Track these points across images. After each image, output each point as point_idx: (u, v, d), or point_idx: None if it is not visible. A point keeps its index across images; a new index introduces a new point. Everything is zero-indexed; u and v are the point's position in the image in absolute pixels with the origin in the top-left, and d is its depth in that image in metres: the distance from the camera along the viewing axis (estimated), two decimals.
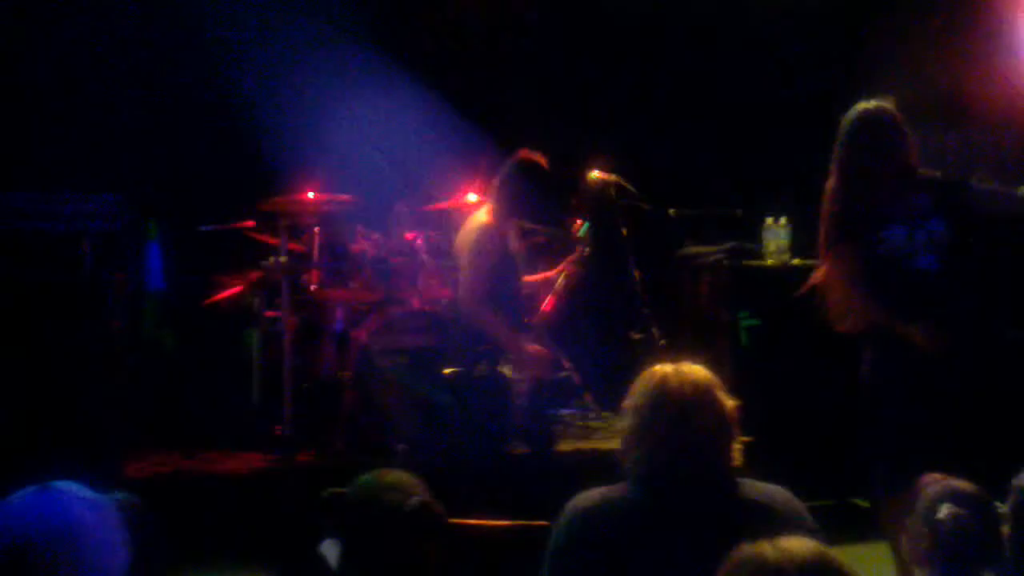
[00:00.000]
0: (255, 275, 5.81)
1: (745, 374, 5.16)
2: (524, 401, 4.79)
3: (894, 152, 3.96)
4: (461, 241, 5.04)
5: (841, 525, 4.43)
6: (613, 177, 5.12)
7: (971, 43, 7.13)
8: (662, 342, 5.20)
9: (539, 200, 4.93)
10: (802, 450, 5.06)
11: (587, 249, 5.27)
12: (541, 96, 7.15)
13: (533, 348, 4.83)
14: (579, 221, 5.35)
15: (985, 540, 2.52)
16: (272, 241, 5.70)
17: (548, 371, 4.97)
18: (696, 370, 2.59)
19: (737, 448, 2.60)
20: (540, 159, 4.93)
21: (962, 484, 2.64)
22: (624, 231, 5.48)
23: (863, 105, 4.05)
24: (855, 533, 4.20)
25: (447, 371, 4.82)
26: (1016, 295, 4.18)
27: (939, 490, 2.62)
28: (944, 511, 2.54)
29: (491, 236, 4.90)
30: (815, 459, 5.03)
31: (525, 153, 4.99)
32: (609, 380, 5.13)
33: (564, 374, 6.27)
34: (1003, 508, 2.53)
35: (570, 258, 5.32)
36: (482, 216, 5.00)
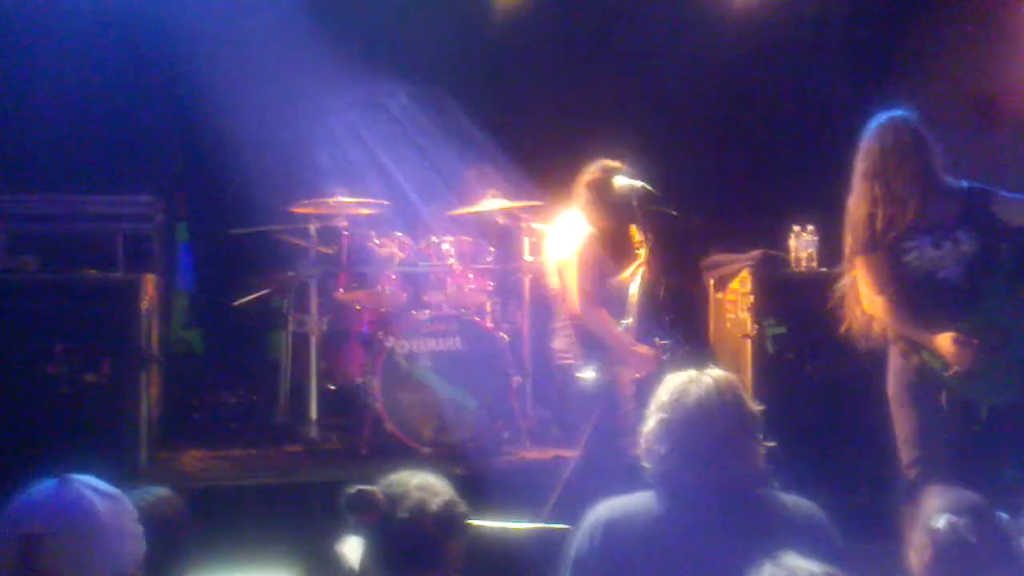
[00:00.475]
0: (284, 278, 5.86)
1: (771, 382, 5.16)
2: (632, 403, 4.79)
3: (919, 161, 3.95)
4: (557, 248, 5.07)
5: (869, 535, 4.45)
6: (639, 184, 5.12)
7: (1001, 49, 7.09)
8: (686, 349, 5.18)
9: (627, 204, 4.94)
10: (827, 457, 5.04)
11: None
12: (565, 102, 7.16)
13: (641, 348, 4.82)
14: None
15: (984, 550, 2.51)
16: (301, 244, 5.74)
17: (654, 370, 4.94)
18: (720, 375, 2.60)
19: (762, 455, 2.59)
20: (621, 164, 4.99)
21: (964, 495, 2.63)
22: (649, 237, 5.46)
23: (888, 114, 4.05)
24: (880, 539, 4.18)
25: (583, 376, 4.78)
26: None
27: (940, 501, 2.62)
28: (942, 521, 2.54)
29: (593, 242, 4.93)
30: (841, 468, 5.01)
31: (608, 160, 5.03)
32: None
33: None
34: (1006, 519, 2.52)
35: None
36: (577, 223, 5.03)
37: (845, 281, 4.12)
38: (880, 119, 4.05)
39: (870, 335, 4.01)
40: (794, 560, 1.84)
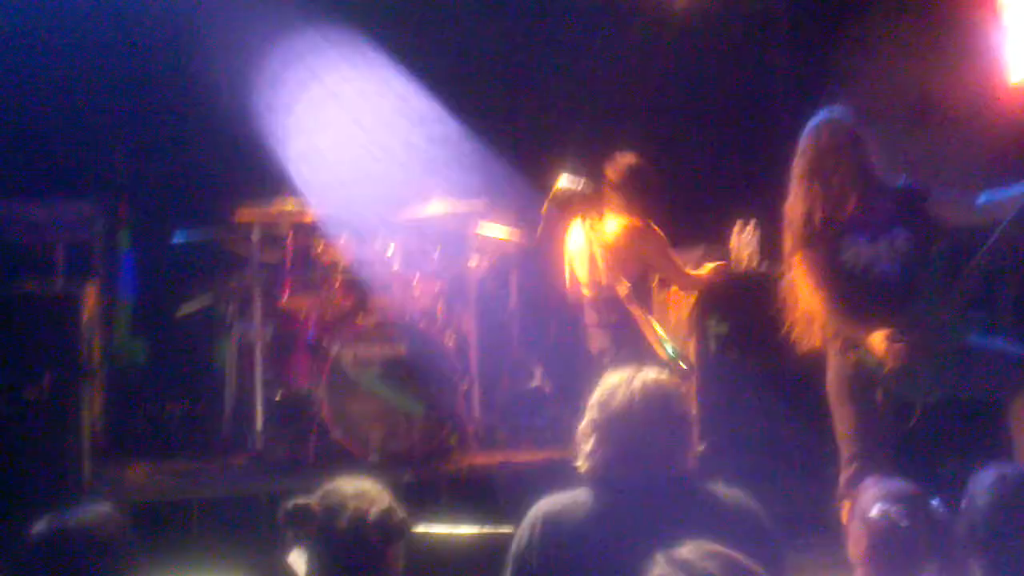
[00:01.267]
0: (227, 286, 5.81)
1: (714, 381, 5.20)
2: None
3: (855, 160, 4.01)
4: (605, 246, 5.19)
5: (810, 530, 4.51)
6: (581, 185, 5.16)
7: (939, 49, 7.20)
8: (625, 352, 5.23)
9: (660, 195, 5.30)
10: (771, 455, 5.09)
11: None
12: (509, 102, 7.18)
13: None
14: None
15: (918, 537, 2.56)
16: (246, 252, 5.70)
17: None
18: (652, 376, 2.64)
19: (692, 455, 2.64)
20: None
21: (898, 484, 2.69)
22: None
23: (824, 113, 4.10)
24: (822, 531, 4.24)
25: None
26: (979, 301, 4.21)
27: (875, 491, 2.68)
28: (876, 509, 2.59)
29: (645, 234, 5.21)
30: (785, 464, 5.06)
31: (634, 154, 5.33)
32: (574, 388, 5.17)
33: (536, 383, 6.33)
34: (939, 506, 2.58)
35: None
36: (619, 219, 5.21)
37: (785, 280, 4.17)
38: (817, 118, 4.12)
39: (810, 333, 4.07)
40: (688, 552, 1.87)
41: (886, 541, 2.57)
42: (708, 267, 5.42)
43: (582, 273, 5.40)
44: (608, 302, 5.21)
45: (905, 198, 4.07)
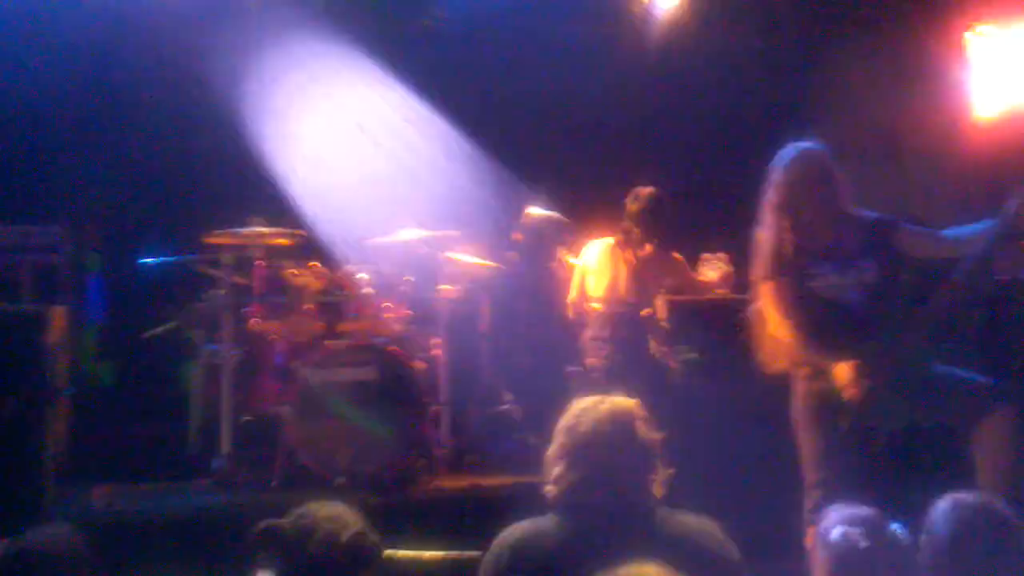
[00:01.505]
0: (196, 308, 5.79)
1: (686, 407, 5.22)
2: None
3: (825, 192, 4.06)
4: (636, 269, 5.52)
5: (779, 556, 4.52)
6: (553, 214, 5.22)
7: (909, 83, 7.31)
8: (594, 373, 5.28)
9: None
10: (740, 481, 5.11)
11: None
12: (477, 128, 7.22)
13: None
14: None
15: (879, 559, 2.58)
16: (214, 274, 5.68)
17: None
18: (619, 402, 2.66)
19: (658, 480, 2.66)
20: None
21: (859, 509, 2.71)
22: (567, 258, 5.60)
23: (796, 146, 4.16)
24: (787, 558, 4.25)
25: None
26: (944, 332, 4.27)
27: (836, 515, 2.70)
28: (836, 532, 2.61)
29: (677, 265, 5.68)
30: (753, 490, 5.09)
31: (652, 188, 5.68)
32: (546, 412, 5.19)
33: (506, 408, 6.33)
34: (900, 530, 2.60)
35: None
36: (651, 247, 5.63)
37: (753, 307, 4.21)
38: (788, 151, 4.17)
39: (777, 359, 4.11)
40: (634, 570, 1.88)
41: (847, 563, 2.59)
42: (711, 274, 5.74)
43: (599, 289, 5.62)
44: (623, 318, 5.46)
45: (873, 230, 4.13)
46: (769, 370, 4.16)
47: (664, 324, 5.30)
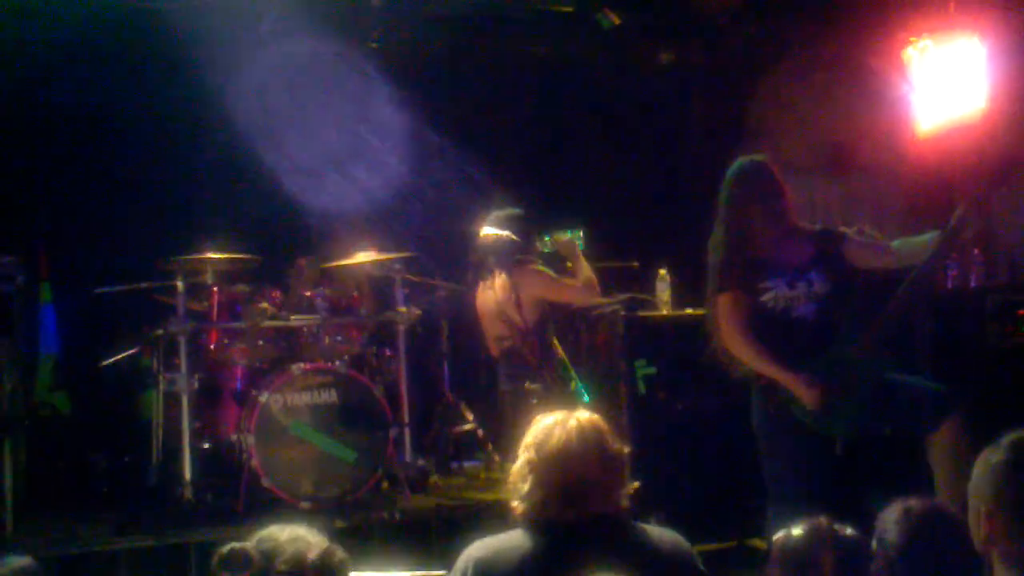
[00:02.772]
0: (153, 336, 5.75)
1: (644, 421, 5.28)
2: None
3: (774, 205, 4.14)
4: (499, 301, 5.28)
5: (740, 566, 4.59)
6: (504, 233, 5.27)
7: (852, 99, 7.44)
8: (558, 392, 5.31)
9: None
10: (700, 493, 5.18)
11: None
12: (440, 153, 7.26)
13: None
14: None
15: (824, 563, 2.62)
16: (170, 301, 5.65)
17: None
18: (584, 417, 2.69)
19: (626, 493, 2.69)
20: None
21: (811, 517, 2.74)
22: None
23: (744, 160, 4.24)
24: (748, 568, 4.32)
25: None
26: (896, 341, 4.35)
27: (799, 524, 2.73)
28: (780, 536, 2.66)
29: (524, 277, 5.35)
30: (713, 502, 5.15)
31: (495, 211, 5.45)
32: (506, 431, 5.22)
33: (469, 427, 6.36)
34: (848, 532, 2.63)
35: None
36: (502, 273, 5.33)
37: (706, 319, 4.27)
38: (738, 165, 4.24)
39: (731, 369, 4.17)
40: None
41: (790, 567, 2.63)
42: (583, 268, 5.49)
43: (490, 329, 5.44)
44: (510, 351, 5.30)
45: (821, 242, 4.21)
46: (729, 382, 4.20)
47: (528, 354, 5.19)
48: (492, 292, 5.34)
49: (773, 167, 4.22)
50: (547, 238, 5.57)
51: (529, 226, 5.51)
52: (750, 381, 4.14)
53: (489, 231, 5.42)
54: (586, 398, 5.15)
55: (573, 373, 5.36)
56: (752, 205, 4.14)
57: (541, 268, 5.38)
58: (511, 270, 5.27)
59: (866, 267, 4.20)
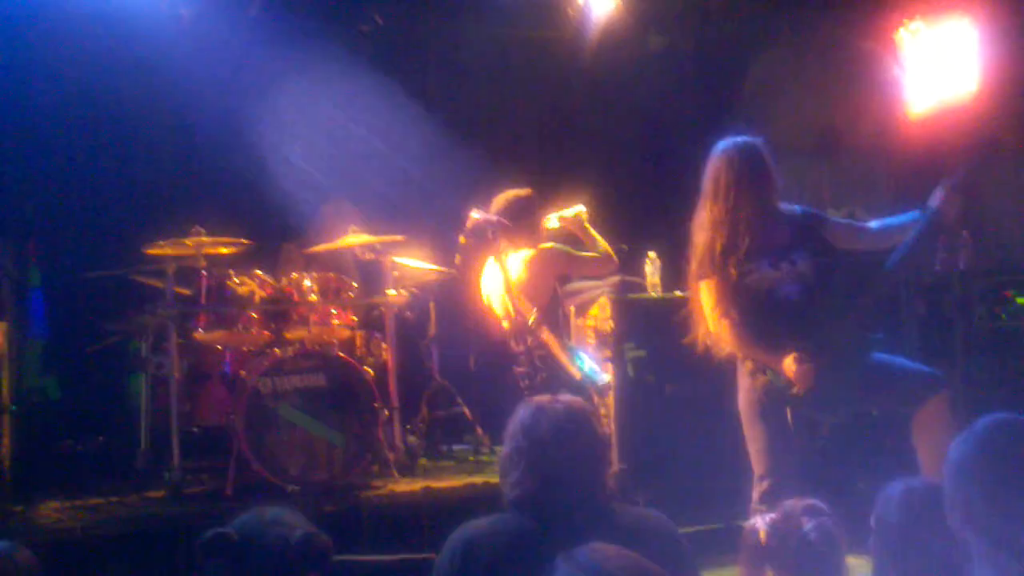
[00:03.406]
0: (141, 320, 5.74)
1: (633, 403, 5.29)
2: None
3: (759, 187, 4.12)
4: (511, 278, 5.44)
5: (727, 549, 4.59)
6: (494, 216, 5.26)
7: (844, 81, 7.44)
8: (543, 376, 5.32)
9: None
10: (689, 475, 5.18)
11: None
12: (427, 137, 7.23)
13: None
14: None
15: (784, 550, 2.63)
16: (158, 285, 5.64)
17: None
18: (570, 401, 2.69)
19: (611, 475, 2.70)
20: None
21: (809, 501, 2.75)
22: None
23: (733, 140, 4.20)
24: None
25: None
26: (884, 322, 4.36)
27: (790, 508, 2.73)
28: (748, 523, 2.67)
29: (544, 256, 5.58)
30: (701, 484, 5.16)
31: (512, 189, 5.59)
32: (496, 414, 5.22)
33: (457, 410, 6.36)
34: (810, 524, 2.63)
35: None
36: (517, 251, 5.52)
37: (691, 304, 4.24)
38: (723, 145, 4.19)
39: (718, 354, 4.16)
40: (590, 553, 1.92)
41: (753, 552, 2.64)
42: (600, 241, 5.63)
43: (499, 307, 5.54)
44: (521, 330, 5.36)
45: (803, 224, 4.20)
46: (716, 360, 4.19)
47: (547, 335, 5.28)
48: (503, 272, 5.43)
49: (762, 145, 4.18)
50: (552, 217, 5.61)
51: (537, 206, 5.62)
52: (734, 364, 4.13)
53: (477, 215, 5.42)
54: (596, 380, 5.18)
55: (584, 355, 5.39)
56: (741, 187, 4.11)
57: (560, 247, 5.53)
58: (528, 252, 5.42)
59: (846, 248, 4.20)
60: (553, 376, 5.17)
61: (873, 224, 4.22)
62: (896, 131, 7.02)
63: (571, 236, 5.68)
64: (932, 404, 3.95)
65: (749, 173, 4.11)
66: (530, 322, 5.32)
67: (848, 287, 4.05)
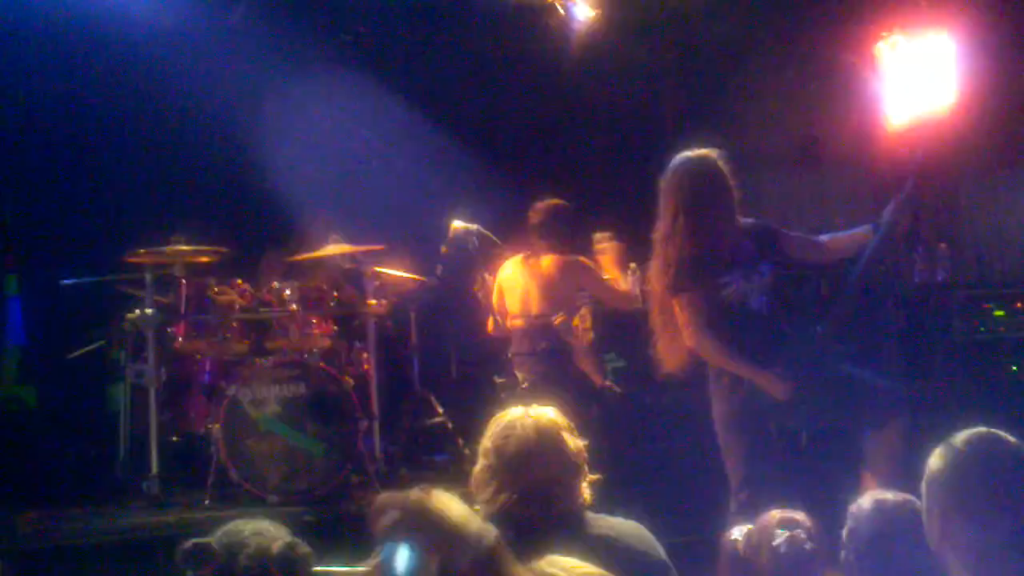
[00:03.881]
0: (120, 329, 5.71)
1: (612, 414, 5.30)
2: None
3: (725, 199, 4.12)
4: (542, 280, 5.60)
5: (705, 560, 4.60)
6: (475, 226, 5.28)
7: (824, 93, 7.48)
8: (524, 385, 5.32)
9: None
10: (668, 486, 5.19)
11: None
12: (408, 147, 7.23)
13: None
14: None
15: (758, 562, 2.63)
16: (137, 294, 5.62)
17: None
18: (543, 413, 2.69)
19: (586, 487, 2.69)
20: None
21: (790, 511, 2.75)
22: (488, 278, 5.65)
23: (692, 155, 4.15)
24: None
25: None
26: (860, 333, 4.39)
27: (769, 519, 2.74)
28: (779, 538, 2.66)
29: (581, 267, 5.68)
30: (680, 495, 5.17)
31: (552, 199, 5.73)
32: (477, 424, 5.22)
33: (438, 419, 6.35)
34: (782, 537, 2.64)
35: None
36: (552, 256, 5.61)
37: (657, 320, 4.21)
38: (689, 160, 4.14)
39: (662, 370, 4.16)
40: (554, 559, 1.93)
41: (732, 565, 2.65)
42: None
43: (514, 305, 5.60)
44: (540, 330, 5.44)
45: (761, 236, 4.20)
46: (679, 379, 4.19)
47: (579, 332, 5.36)
48: (537, 270, 5.56)
49: (721, 158, 4.15)
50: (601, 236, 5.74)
51: (573, 218, 5.72)
52: (712, 378, 4.13)
53: (459, 224, 5.43)
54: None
55: (610, 357, 5.45)
56: (708, 201, 4.09)
57: (592, 264, 5.65)
58: (560, 257, 5.54)
59: (800, 260, 4.24)
60: (559, 378, 5.20)
61: (824, 237, 4.28)
62: (876, 142, 7.06)
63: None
64: (889, 427, 3.96)
65: (716, 189, 4.10)
66: (556, 322, 5.39)
67: (816, 300, 4.08)
